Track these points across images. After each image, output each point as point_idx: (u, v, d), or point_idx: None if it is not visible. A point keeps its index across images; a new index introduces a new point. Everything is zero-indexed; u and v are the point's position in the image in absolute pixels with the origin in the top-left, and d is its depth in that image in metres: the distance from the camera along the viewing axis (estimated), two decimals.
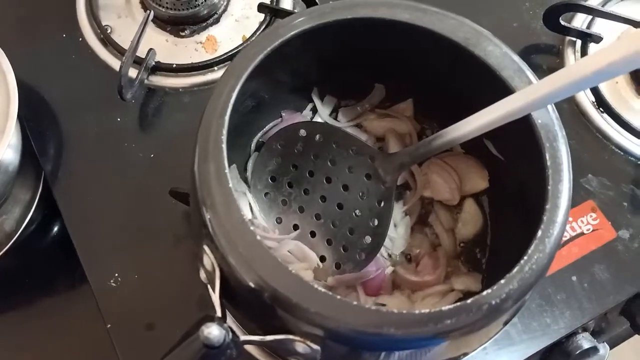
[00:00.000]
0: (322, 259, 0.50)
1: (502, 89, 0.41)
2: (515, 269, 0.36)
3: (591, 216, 0.57)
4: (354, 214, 0.50)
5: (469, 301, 0.35)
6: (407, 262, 0.52)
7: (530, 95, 0.37)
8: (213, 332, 0.32)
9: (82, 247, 0.55)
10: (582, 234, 0.56)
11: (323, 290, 0.35)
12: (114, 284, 0.54)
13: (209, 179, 0.37)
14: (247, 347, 0.51)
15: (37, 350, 0.59)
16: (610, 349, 0.60)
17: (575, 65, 0.35)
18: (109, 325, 0.52)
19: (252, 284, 0.35)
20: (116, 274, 0.54)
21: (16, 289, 0.61)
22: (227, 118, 0.39)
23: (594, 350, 0.55)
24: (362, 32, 0.44)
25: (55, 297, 0.61)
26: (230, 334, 0.34)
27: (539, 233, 0.37)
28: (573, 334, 0.54)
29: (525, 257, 0.36)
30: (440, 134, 0.44)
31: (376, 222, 0.49)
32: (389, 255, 0.52)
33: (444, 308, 0.34)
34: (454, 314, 0.34)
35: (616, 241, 0.56)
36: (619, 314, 0.59)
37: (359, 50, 0.48)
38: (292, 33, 0.42)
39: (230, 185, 0.37)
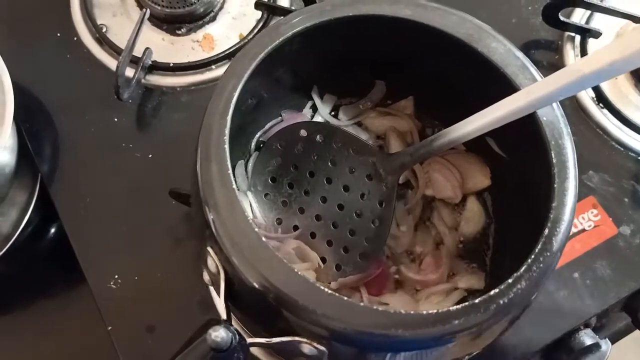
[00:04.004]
0: (323, 260, 0.49)
1: (505, 86, 0.41)
2: (523, 268, 0.35)
3: (592, 212, 0.57)
4: (354, 214, 0.49)
5: (477, 301, 0.34)
6: (410, 261, 0.52)
7: (535, 93, 0.37)
8: (221, 335, 0.32)
9: (81, 249, 0.55)
10: (583, 230, 0.56)
11: (329, 291, 0.34)
12: (114, 286, 0.53)
13: (212, 179, 0.37)
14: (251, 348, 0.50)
15: (36, 353, 0.59)
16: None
17: (579, 63, 0.35)
18: (109, 328, 0.52)
19: (257, 286, 0.35)
20: (116, 276, 0.53)
21: (14, 292, 0.60)
22: (229, 118, 0.38)
23: (596, 346, 0.55)
24: (364, 29, 0.44)
25: (53, 299, 0.60)
26: (237, 336, 0.33)
27: (546, 231, 0.36)
28: (575, 330, 0.54)
29: (533, 256, 0.36)
30: (442, 133, 0.44)
31: (377, 223, 0.49)
32: (392, 254, 0.52)
33: (452, 308, 0.34)
34: (462, 314, 0.34)
35: (617, 237, 0.56)
36: (620, 309, 0.59)
37: (359, 47, 0.47)
38: (294, 31, 0.41)
39: (234, 186, 0.37)
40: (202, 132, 0.39)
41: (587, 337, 0.54)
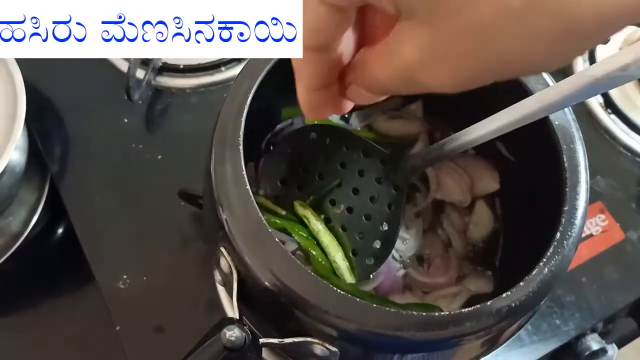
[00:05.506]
0: None
1: (517, 90, 0.41)
2: (534, 271, 0.36)
3: (600, 217, 0.57)
4: (363, 218, 0.49)
5: (488, 303, 0.35)
6: (418, 264, 0.52)
7: (547, 98, 0.37)
8: (235, 334, 0.32)
9: (90, 248, 0.55)
10: (591, 235, 0.56)
11: (342, 292, 0.34)
12: (122, 286, 0.53)
13: (226, 180, 0.37)
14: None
15: (43, 351, 0.59)
16: None
17: (591, 69, 0.35)
18: (118, 327, 0.52)
19: (270, 286, 0.35)
20: (125, 276, 0.54)
21: (22, 290, 0.60)
22: (243, 119, 0.39)
23: (602, 351, 0.55)
24: None
25: (61, 298, 0.61)
26: (251, 336, 0.34)
27: (558, 235, 0.36)
28: (582, 335, 0.54)
29: (545, 259, 0.36)
30: (453, 137, 0.44)
31: (386, 227, 0.49)
32: (401, 257, 0.52)
33: (463, 310, 0.34)
34: (474, 316, 0.34)
35: (625, 242, 0.56)
36: (626, 314, 0.59)
37: None
38: None
39: (248, 186, 0.37)
40: (217, 133, 0.39)
41: (593, 342, 0.55)
